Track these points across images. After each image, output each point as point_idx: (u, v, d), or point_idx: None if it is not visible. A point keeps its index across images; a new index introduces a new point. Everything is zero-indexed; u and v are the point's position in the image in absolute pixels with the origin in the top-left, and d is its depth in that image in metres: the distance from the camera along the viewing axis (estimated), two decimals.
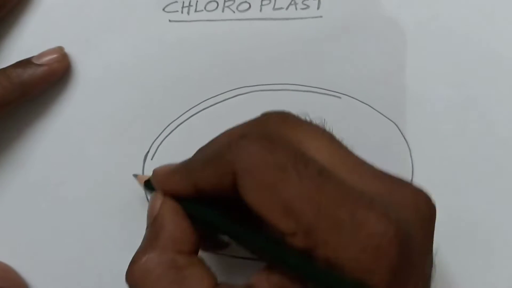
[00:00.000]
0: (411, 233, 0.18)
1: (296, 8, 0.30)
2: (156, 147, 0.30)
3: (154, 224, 0.22)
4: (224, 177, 0.20)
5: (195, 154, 0.23)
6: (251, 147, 0.19)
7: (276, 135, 0.20)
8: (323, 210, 0.18)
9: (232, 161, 0.20)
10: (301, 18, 0.30)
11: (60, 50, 0.30)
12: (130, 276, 0.21)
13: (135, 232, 0.29)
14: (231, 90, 0.30)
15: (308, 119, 0.22)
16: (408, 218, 0.19)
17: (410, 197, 0.20)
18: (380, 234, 0.18)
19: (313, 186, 0.18)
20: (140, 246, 0.22)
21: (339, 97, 0.30)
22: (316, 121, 0.22)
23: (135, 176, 0.28)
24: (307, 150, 0.20)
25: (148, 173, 0.27)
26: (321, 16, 0.30)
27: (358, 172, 0.20)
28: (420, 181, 0.24)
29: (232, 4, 0.30)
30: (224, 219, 0.21)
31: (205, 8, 0.30)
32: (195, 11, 0.30)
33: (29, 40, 0.31)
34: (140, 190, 0.29)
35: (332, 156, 0.20)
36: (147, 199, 0.29)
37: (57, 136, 0.31)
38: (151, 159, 0.30)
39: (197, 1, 0.30)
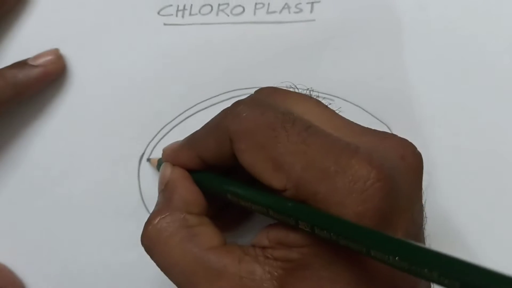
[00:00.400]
0: (396, 179, 0.19)
1: (289, 12, 0.30)
2: (151, 149, 0.30)
3: (165, 189, 0.24)
4: (222, 144, 0.21)
5: (198, 129, 0.24)
6: (243, 112, 0.21)
7: (266, 101, 0.22)
8: (310, 163, 0.19)
9: (228, 127, 0.21)
10: (294, 22, 0.30)
11: (55, 52, 0.30)
12: (145, 236, 0.22)
13: (131, 232, 0.30)
14: (226, 92, 0.30)
15: (296, 90, 0.24)
16: (393, 165, 0.19)
17: (395, 147, 0.21)
18: (364, 177, 0.18)
19: (300, 140, 0.19)
20: (153, 210, 0.23)
21: (332, 100, 0.30)
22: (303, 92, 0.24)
23: (149, 160, 0.29)
24: (295, 111, 0.21)
25: (147, 172, 0.27)
26: (314, 20, 0.30)
27: (345, 129, 0.21)
28: None
29: (226, 7, 0.30)
30: (227, 182, 0.23)
31: (199, 11, 0.30)
32: (190, 14, 0.30)
33: (25, 42, 0.31)
34: (136, 190, 0.30)
35: (318, 116, 0.21)
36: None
37: (52, 137, 0.31)
38: (147, 160, 0.30)
39: (191, 5, 0.30)
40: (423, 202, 0.22)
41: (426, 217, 0.22)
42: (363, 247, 0.17)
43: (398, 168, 0.20)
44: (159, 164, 0.26)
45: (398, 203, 0.19)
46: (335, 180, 0.18)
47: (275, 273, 0.20)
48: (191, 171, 0.24)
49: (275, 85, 0.25)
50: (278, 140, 0.20)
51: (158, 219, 0.22)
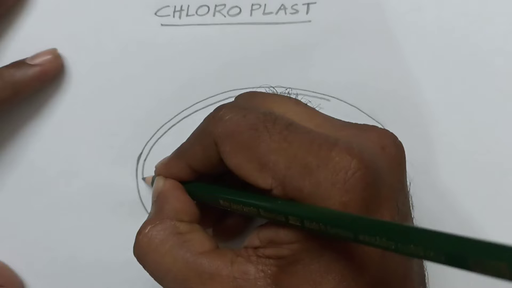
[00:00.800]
0: (377, 168, 0.19)
1: (285, 13, 0.30)
2: (149, 149, 0.30)
3: (157, 200, 0.24)
4: (209, 149, 0.22)
5: (185, 140, 0.25)
6: (226, 115, 0.21)
7: (247, 104, 0.22)
8: (292, 160, 0.19)
9: (212, 131, 0.21)
10: (291, 23, 0.30)
11: (53, 52, 0.30)
12: (136, 247, 0.22)
13: (129, 231, 0.30)
14: (223, 92, 0.30)
15: (274, 92, 0.25)
16: (373, 155, 0.20)
17: (375, 138, 0.21)
18: (345, 168, 0.19)
19: (281, 139, 0.20)
20: (144, 221, 0.23)
21: (328, 100, 0.30)
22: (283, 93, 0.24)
23: (144, 179, 0.30)
24: (276, 111, 0.21)
25: (145, 172, 0.28)
26: (310, 21, 0.30)
27: (325, 124, 0.22)
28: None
29: (223, 8, 0.30)
30: (218, 189, 0.23)
31: (196, 12, 0.30)
32: (187, 15, 0.30)
33: (23, 42, 0.31)
34: (134, 191, 0.30)
35: (299, 114, 0.22)
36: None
37: (50, 137, 0.31)
38: (144, 160, 0.30)
39: (188, 6, 0.30)
40: (408, 191, 0.22)
41: (413, 208, 0.23)
42: (351, 233, 0.17)
43: (379, 158, 0.20)
44: (153, 181, 0.27)
45: (380, 192, 0.19)
46: (317, 174, 0.19)
47: (269, 271, 0.20)
48: (184, 183, 0.24)
49: (269, 86, 0.26)
50: (260, 140, 0.20)
51: (148, 228, 0.22)
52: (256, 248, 0.21)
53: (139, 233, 0.22)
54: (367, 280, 0.19)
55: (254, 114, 0.21)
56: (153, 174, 0.27)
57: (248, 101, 0.23)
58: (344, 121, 0.23)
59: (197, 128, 0.23)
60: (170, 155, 0.25)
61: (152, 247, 0.22)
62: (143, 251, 0.22)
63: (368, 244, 0.17)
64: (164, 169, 0.25)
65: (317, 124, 0.21)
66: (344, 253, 0.19)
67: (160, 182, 0.25)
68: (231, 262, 0.21)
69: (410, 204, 0.22)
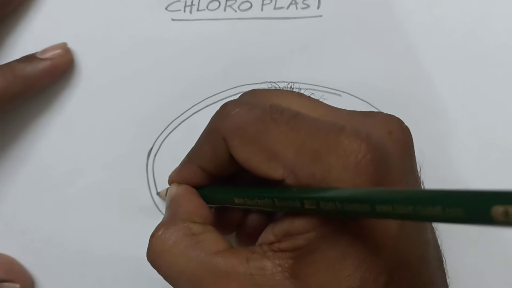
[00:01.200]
0: (386, 151, 0.19)
1: (296, 8, 0.30)
2: (159, 144, 0.30)
3: (170, 205, 0.24)
4: (218, 146, 0.22)
5: (195, 144, 0.25)
6: (232, 111, 0.21)
7: (252, 100, 0.23)
8: (301, 147, 0.19)
9: (219, 128, 0.21)
10: (302, 18, 0.30)
11: (63, 46, 0.30)
12: (149, 250, 0.22)
13: (140, 227, 0.30)
14: (233, 87, 0.30)
15: (277, 87, 0.25)
16: (381, 138, 0.20)
17: (381, 123, 0.21)
18: (355, 151, 0.19)
19: (289, 128, 0.20)
20: (158, 224, 0.23)
21: (339, 95, 0.30)
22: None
23: (158, 194, 0.30)
24: (281, 104, 0.21)
25: (155, 167, 0.27)
26: (321, 16, 0.30)
27: (331, 114, 0.22)
28: None
29: (234, 3, 0.30)
30: (231, 189, 0.23)
31: (207, 7, 0.30)
32: (198, 10, 0.30)
33: (33, 37, 0.31)
34: (144, 186, 0.30)
35: (304, 106, 0.22)
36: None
37: (60, 132, 0.31)
38: (155, 155, 0.30)
39: (199, 0, 0.30)
40: (419, 175, 0.22)
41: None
42: (368, 206, 0.17)
43: (387, 142, 0.20)
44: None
45: (391, 174, 0.19)
46: (328, 159, 0.19)
47: (286, 264, 0.20)
48: (197, 188, 0.24)
49: (271, 82, 0.27)
50: (268, 131, 0.20)
51: (161, 230, 0.22)
52: (271, 243, 0.21)
53: (152, 236, 0.22)
54: (385, 263, 0.19)
55: (260, 107, 0.21)
56: (166, 186, 0.27)
57: (252, 97, 0.24)
58: (349, 110, 0.23)
59: (204, 128, 0.23)
60: (181, 162, 0.25)
61: (165, 249, 0.21)
62: (156, 253, 0.22)
63: (386, 216, 0.16)
64: (177, 176, 0.25)
65: (322, 114, 0.21)
66: (359, 237, 0.19)
67: (173, 188, 0.25)
68: (247, 260, 0.20)
69: (422, 187, 0.22)
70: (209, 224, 0.23)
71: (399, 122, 0.22)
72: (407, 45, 0.30)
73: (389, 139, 0.20)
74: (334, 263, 0.19)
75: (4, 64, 0.29)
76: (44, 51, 0.30)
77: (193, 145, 0.25)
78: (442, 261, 0.22)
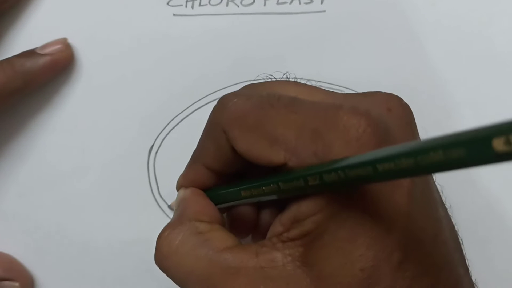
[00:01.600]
0: (387, 126, 0.19)
1: (299, 3, 0.30)
2: (160, 141, 0.30)
3: (177, 208, 0.24)
4: (219, 140, 0.22)
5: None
6: (229, 102, 0.21)
7: (249, 91, 0.23)
8: (301, 127, 0.19)
9: (219, 121, 0.21)
10: (305, 13, 0.30)
11: (63, 41, 0.30)
12: (156, 252, 0.21)
13: (141, 225, 0.30)
14: (235, 84, 0.30)
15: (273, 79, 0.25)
16: (380, 115, 0.20)
17: (380, 101, 0.21)
18: (355, 126, 0.19)
19: (288, 112, 0.20)
20: (164, 226, 0.22)
21: (342, 91, 0.30)
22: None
23: (169, 207, 0.30)
24: (278, 91, 0.22)
25: (157, 165, 0.27)
26: (324, 11, 0.30)
27: (328, 97, 0.22)
28: None
29: None
30: (237, 184, 0.23)
31: (209, 2, 0.30)
32: (200, 5, 0.30)
33: (33, 32, 0.31)
34: (146, 183, 0.30)
35: (300, 92, 0.22)
36: None
37: (61, 130, 0.31)
38: (156, 152, 0.30)
39: None
40: None
41: None
42: (370, 168, 0.16)
43: (387, 118, 0.20)
44: None
45: None
46: (328, 136, 0.19)
47: (296, 253, 0.19)
48: (205, 190, 0.24)
49: (267, 75, 0.27)
50: (267, 116, 0.20)
51: (167, 231, 0.21)
52: (280, 234, 0.20)
53: (158, 238, 0.22)
54: (397, 240, 0.18)
55: (257, 96, 0.21)
56: (167, 184, 0.26)
57: (250, 89, 0.23)
58: (345, 93, 0.23)
59: (205, 125, 0.23)
60: (186, 165, 0.25)
61: (172, 249, 0.21)
62: (163, 255, 0.21)
63: (389, 176, 0.16)
64: (183, 180, 0.25)
65: (320, 98, 0.21)
66: (368, 214, 0.18)
67: (181, 192, 0.24)
68: (256, 254, 0.20)
69: None
70: (217, 223, 0.22)
71: (399, 99, 0.21)
72: (411, 41, 0.30)
73: (389, 116, 0.20)
74: (344, 244, 0.18)
75: (3, 60, 0.29)
76: (44, 46, 0.30)
77: (194, 142, 0.24)
78: (459, 242, 0.21)
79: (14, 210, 0.31)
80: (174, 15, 0.30)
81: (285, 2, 0.30)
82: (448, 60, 0.30)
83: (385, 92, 0.22)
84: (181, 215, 0.23)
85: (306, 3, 0.30)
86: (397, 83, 0.30)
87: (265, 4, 0.30)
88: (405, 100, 0.29)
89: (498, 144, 0.13)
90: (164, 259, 0.21)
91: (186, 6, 0.30)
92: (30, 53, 0.29)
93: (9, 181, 0.31)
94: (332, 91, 0.23)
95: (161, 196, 0.30)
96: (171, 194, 0.30)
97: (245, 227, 0.25)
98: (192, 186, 0.24)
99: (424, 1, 0.30)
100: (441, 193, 0.22)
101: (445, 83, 0.30)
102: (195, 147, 0.24)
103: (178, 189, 0.25)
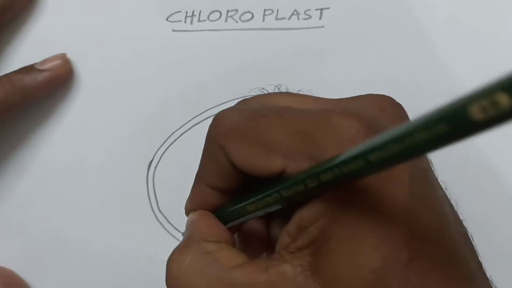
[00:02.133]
0: (379, 126, 0.19)
1: (298, 18, 0.30)
2: (160, 156, 0.30)
3: (185, 231, 0.24)
4: (219, 158, 0.22)
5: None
6: (223, 117, 0.22)
7: (242, 106, 0.23)
8: (294, 134, 0.20)
9: (215, 138, 0.22)
10: (303, 28, 0.30)
11: (62, 57, 0.30)
12: (167, 277, 0.21)
13: (140, 239, 0.30)
14: (234, 99, 0.30)
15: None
16: (373, 115, 0.20)
17: (372, 102, 0.21)
18: (348, 127, 0.19)
19: (280, 119, 0.20)
20: (173, 250, 0.23)
21: None
22: None
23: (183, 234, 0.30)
24: (269, 102, 0.22)
25: (155, 179, 0.27)
26: (323, 26, 0.30)
27: (319, 103, 0.22)
28: None
29: (235, 14, 0.30)
30: (242, 199, 0.22)
31: (208, 18, 0.30)
32: (198, 20, 0.30)
33: (33, 47, 0.31)
34: (144, 198, 0.30)
35: (291, 101, 0.22)
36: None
37: (60, 143, 0.31)
38: (155, 167, 0.30)
39: (200, 11, 0.30)
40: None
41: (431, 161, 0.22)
42: (362, 160, 0.16)
43: (379, 118, 0.20)
44: None
45: None
46: (322, 138, 0.19)
47: (305, 263, 0.19)
48: (213, 211, 0.24)
49: (259, 88, 0.27)
50: (260, 126, 0.20)
51: (176, 254, 0.22)
52: (287, 246, 0.20)
53: (168, 261, 0.22)
54: (402, 237, 0.18)
55: (249, 108, 0.21)
56: (166, 199, 0.26)
57: (243, 104, 0.24)
58: (337, 98, 0.23)
59: (204, 145, 0.23)
60: (191, 188, 0.25)
61: (182, 271, 0.21)
62: (174, 278, 0.21)
63: (381, 165, 0.16)
64: (190, 203, 0.25)
65: (312, 105, 0.22)
66: (369, 213, 0.18)
67: (189, 216, 0.24)
68: (266, 268, 0.20)
69: (429, 159, 0.22)
70: (225, 242, 0.22)
71: (390, 99, 0.22)
72: (410, 56, 0.30)
73: (382, 116, 0.20)
74: (351, 246, 0.18)
75: (2, 76, 0.29)
76: (43, 61, 0.30)
77: (194, 157, 0.24)
78: (469, 237, 0.21)
79: (12, 219, 0.31)
80: (173, 30, 0.30)
81: (283, 18, 0.30)
82: (447, 72, 0.30)
83: (376, 94, 0.22)
84: (189, 238, 0.23)
85: (305, 19, 0.30)
86: (396, 97, 0.30)
87: (263, 20, 0.30)
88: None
89: (476, 113, 0.12)
90: (174, 282, 0.21)
91: (185, 22, 0.30)
92: (29, 69, 0.29)
93: (8, 192, 0.31)
94: (323, 98, 0.23)
95: (160, 211, 0.30)
96: (170, 209, 0.30)
97: (257, 245, 0.25)
98: (199, 208, 0.24)
99: (423, 13, 0.30)
100: (445, 190, 0.22)
101: (439, 97, 0.30)
102: (194, 162, 0.24)
103: (187, 214, 0.25)
